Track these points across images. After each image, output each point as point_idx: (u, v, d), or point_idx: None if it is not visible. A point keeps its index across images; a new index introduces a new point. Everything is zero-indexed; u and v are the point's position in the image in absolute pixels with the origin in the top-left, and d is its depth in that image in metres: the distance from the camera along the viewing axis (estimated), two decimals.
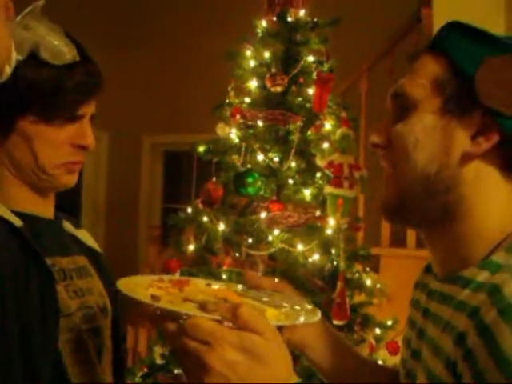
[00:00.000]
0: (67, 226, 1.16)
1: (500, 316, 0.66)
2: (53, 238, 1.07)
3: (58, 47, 0.99)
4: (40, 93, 0.98)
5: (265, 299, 0.89)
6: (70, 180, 1.07)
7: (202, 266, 2.59)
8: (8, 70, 0.89)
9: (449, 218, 0.82)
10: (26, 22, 0.97)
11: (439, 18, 3.23)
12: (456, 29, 0.83)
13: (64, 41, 1.00)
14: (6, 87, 0.89)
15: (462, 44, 0.82)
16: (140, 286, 0.82)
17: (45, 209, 1.08)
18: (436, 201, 0.81)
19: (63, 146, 1.03)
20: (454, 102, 0.80)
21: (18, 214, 0.99)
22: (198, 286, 0.91)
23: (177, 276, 0.96)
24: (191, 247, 2.66)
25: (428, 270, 0.95)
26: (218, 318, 0.68)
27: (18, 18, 0.97)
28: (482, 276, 0.75)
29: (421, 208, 0.83)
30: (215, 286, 0.93)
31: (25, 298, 0.93)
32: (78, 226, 1.21)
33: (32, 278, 0.95)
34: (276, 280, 1.02)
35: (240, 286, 0.96)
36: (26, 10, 0.98)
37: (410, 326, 0.94)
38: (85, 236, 1.21)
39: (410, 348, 0.91)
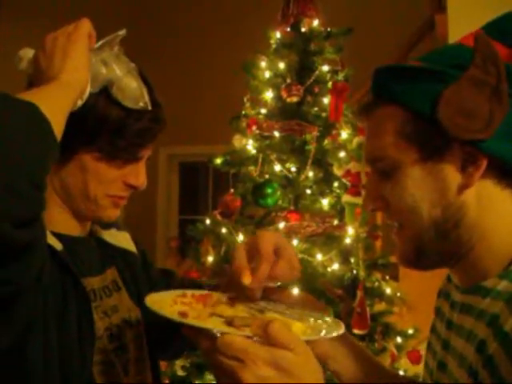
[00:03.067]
0: (96, 228, 1.15)
1: None
2: (85, 257, 1.07)
3: (131, 91, 0.97)
4: (106, 131, 0.97)
5: (287, 312, 0.89)
6: (114, 214, 1.07)
7: (221, 277, 2.60)
8: (79, 103, 0.90)
9: (465, 248, 0.82)
10: (105, 57, 0.96)
11: (454, 24, 3.23)
12: (394, 75, 0.82)
13: (139, 85, 0.99)
14: (74, 116, 0.88)
15: (408, 89, 0.80)
16: (165, 303, 0.83)
17: (82, 227, 1.08)
18: (450, 238, 0.81)
19: (115, 182, 1.03)
20: (429, 146, 0.79)
21: (54, 235, 0.98)
22: (221, 299, 0.92)
23: (199, 291, 0.95)
24: (210, 258, 2.67)
25: (450, 279, 0.95)
26: (249, 334, 0.69)
27: (98, 45, 0.96)
28: (502, 285, 0.76)
29: (438, 250, 0.83)
30: (237, 298, 0.93)
31: (64, 321, 0.94)
32: (107, 225, 1.19)
33: (70, 302, 0.96)
34: (296, 292, 1.02)
35: (261, 300, 0.96)
36: (106, 39, 0.97)
37: (435, 336, 0.94)
38: (114, 236, 1.19)
39: (435, 359, 0.91)
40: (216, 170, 2.85)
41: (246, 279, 0.87)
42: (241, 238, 2.55)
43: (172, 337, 1.21)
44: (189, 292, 0.91)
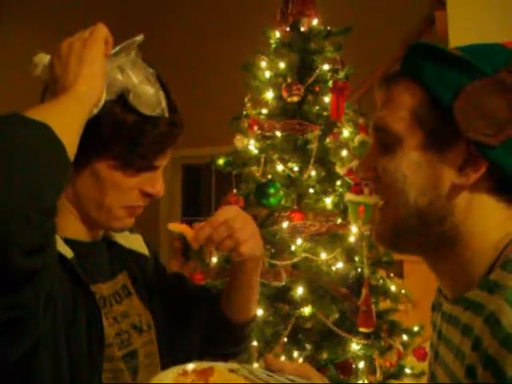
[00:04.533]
0: (109, 231, 1.13)
1: (503, 347, 0.66)
2: (96, 263, 1.06)
3: (148, 98, 0.96)
4: (122, 139, 0.96)
5: None
6: (129, 224, 1.06)
7: (226, 277, 2.60)
8: (95, 111, 0.89)
9: (446, 245, 0.80)
10: (121, 64, 0.94)
11: (454, 19, 3.22)
12: (426, 54, 0.80)
13: (156, 92, 0.97)
14: (89, 124, 0.87)
15: (434, 71, 0.78)
16: None
17: (94, 232, 1.07)
18: (431, 231, 0.80)
19: (132, 190, 1.01)
20: (436, 135, 0.78)
21: (65, 241, 0.98)
22: (222, 374, 0.91)
23: (200, 364, 0.95)
24: (214, 259, 2.67)
25: (441, 290, 0.94)
26: None
27: (115, 51, 0.94)
28: (481, 296, 0.75)
29: (416, 239, 0.82)
30: (239, 369, 0.93)
31: (74, 329, 0.94)
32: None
33: (80, 310, 0.96)
34: (298, 363, 1.01)
35: (262, 370, 0.94)
36: (123, 44, 0.95)
37: (430, 348, 0.93)
38: (127, 239, 1.18)
39: (430, 368, 0.91)
40: (218, 171, 2.85)
41: (172, 226, 1.09)
42: None
43: (183, 342, 1.22)
44: (189, 368, 0.90)
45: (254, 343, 2.42)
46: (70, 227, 1.02)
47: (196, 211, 6.39)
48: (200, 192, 6.59)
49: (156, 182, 1.04)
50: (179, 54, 5.89)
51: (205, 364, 0.93)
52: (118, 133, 0.95)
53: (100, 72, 0.88)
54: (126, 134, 0.96)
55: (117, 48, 0.95)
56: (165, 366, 1.14)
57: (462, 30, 3.05)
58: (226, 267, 2.61)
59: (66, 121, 0.80)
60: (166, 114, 0.98)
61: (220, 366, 0.94)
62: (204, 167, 6.10)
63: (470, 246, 0.79)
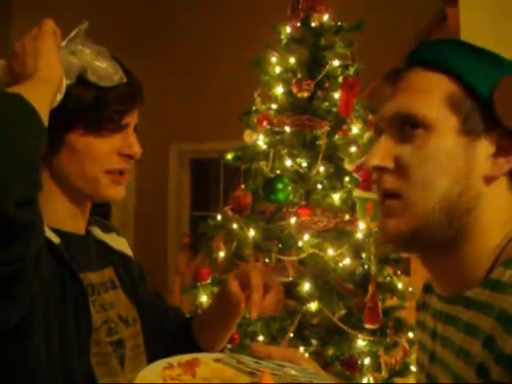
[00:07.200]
0: (96, 231, 1.19)
1: None
2: (83, 253, 1.10)
3: (105, 70, 1.02)
4: (86, 107, 1.02)
5: (278, 373, 0.87)
6: (117, 192, 1.10)
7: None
8: (59, 98, 0.95)
9: (457, 241, 0.79)
10: (72, 48, 1.01)
11: (466, 16, 3.20)
12: (457, 47, 0.81)
13: (110, 63, 1.04)
14: (55, 108, 0.93)
15: (468, 64, 0.78)
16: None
17: (78, 225, 1.12)
18: (453, 226, 0.78)
19: (110, 155, 1.06)
20: (471, 122, 0.77)
21: (52, 230, 1.02)
22: (208, 364, 0.90)
23: (184, 356, 0.94)
24: (221, 254, 2.68)
25: (427, 289, 0.93)
26: None
27: (64, 43, 1.01)
28: (484, 295, 0.74)
29: (435, 236, 0.78)
30: (224, 358, 0.93)
31: (63, 313, 0.98)
32: (108, 229, 1.23)
33: (68, 295, 1.00)
34: (285, 348, 1.03)
35: (249, 358, 0.93)
36: (71, 35, 1.02)
37: (421, 349, 0.92)
38: (115, 240, 1.23)
39: (424, 371, 0.90)
40: (227, 166, 2.85)
41: (253, 313, 1.06)
42: (252, 233, 2.55)
43: (168, 335, 1.26)
44: (175, 361, 0.89)
45: (260, 338, 2.42)
46: (58, 216, 1.06)
47: (204, 206, 6.40)
48: (208, 186, 6.59)
49: (131, 143, 1.09)
50: (189, 48, 5.88)
51: (188, 356, 0.92)
52: (81, 105, 1.02)
53: (55, 59, 0.94)
54: (89, 103, 1.03)
55: (66, 40, 1.02)
56: (151, 359, 1.16)
57: (474, 26, 3.03)
58: (233, 262, 2.62)
59: (33, 98, 0.85)
60: (125, 80, 1.05)
61: (205, 357, 0.93)
62: (213, 162, 6.10)
63: (479, 241, 0.78)
